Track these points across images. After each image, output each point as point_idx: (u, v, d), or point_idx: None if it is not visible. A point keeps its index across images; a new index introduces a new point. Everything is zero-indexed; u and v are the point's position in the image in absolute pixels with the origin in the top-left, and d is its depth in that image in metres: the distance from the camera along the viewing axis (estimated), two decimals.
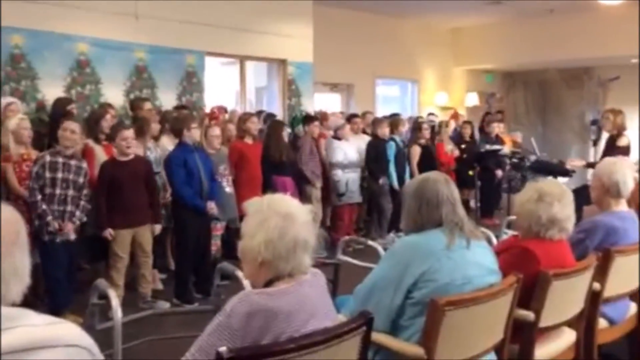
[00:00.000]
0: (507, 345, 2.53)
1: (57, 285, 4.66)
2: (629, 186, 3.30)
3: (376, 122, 7.92)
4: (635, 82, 10.44)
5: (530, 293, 2.60)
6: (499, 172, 9.01)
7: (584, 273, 2.80)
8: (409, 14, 11.18)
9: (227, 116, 7.67)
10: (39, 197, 4.54)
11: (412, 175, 7.71)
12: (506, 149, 9.21)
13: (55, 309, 4.40)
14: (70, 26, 6.73)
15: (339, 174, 7.38)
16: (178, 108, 7.04)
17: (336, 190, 7.41)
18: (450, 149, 9.01)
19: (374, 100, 11.46)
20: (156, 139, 6.01)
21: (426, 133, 8.35)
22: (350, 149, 7.54)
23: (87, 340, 1.28)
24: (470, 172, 8.39)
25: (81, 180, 4.74)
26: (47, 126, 5.85)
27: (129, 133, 5.01)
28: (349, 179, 7.43)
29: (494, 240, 4.11)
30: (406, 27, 11.63)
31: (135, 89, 7.34)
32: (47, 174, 4.57)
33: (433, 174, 2.54)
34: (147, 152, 5.69)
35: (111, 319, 3.15)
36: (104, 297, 3.25)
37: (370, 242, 4.77)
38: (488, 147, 8.82)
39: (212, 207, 5.40)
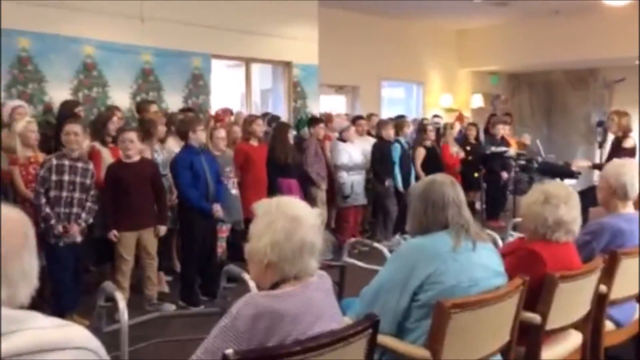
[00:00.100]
0: (514, 347, 2.53)
1: (62, 288, 4.67)
2: (636, 188, 3.29)
3: (381, 124, 7.92)
4: None
5: (537, 295, 2.60)
6: (505, 174, 9.00)
7: (591, 275, 2.79)
8: (414, 15, 11.18)
9: (232, 118, 7.68)
10: (43, 200, 4.55)
11: (416, 177, 7.71)
12: (512, 150, 9.19)
13: (60, 312, 4.40)
14: (77, 29, 6.76)
15: (344, 176, 7.39)
16: (184, 110, 7.06)
17: (341, 192, 7.41)
18: (455, 151, 9.00)
19: (379, 102, 11.46)
20: (162, 141, 6.03)
21: (431, 135, 8.35)
22: (355, 151, 7.54)
23: (94, 342, 1.29)
24: (476, 174, 8.38)
25: (88, 182, 4.75)
26: (54, 129, 5.87)
27: (129, 135, 5.03)
28: (354, 181, 7.44)
29: (500, 243, 4.10)
30: (411, 29, 11.63)
31: (141, 91, 7.36)
32: (54, 177, 4.58)
33: (439, 176, 2.53)
34: (154, 154, 5.69)
35: (118, 322, 3.16)
36: (111, 299, 3.26)
37: (375, 244, 4.78)
38: (493, 149, 8.80)
39: (217, 209, 5.41)
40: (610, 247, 3.07)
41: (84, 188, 4.73)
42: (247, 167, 6.35)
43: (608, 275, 2.97)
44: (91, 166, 4.85)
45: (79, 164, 4.72)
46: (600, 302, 2.98)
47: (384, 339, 2.20)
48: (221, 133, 5.96)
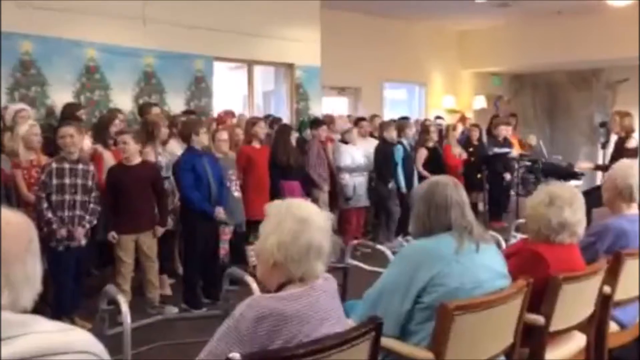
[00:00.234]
0: (517, 349, 2.52)
1: (63, 291, 4.65)
2: None
3: (384, 125, 7.91)
4: None
5: (540, 297, 2.59)
6: (507, 175, 8.98)
7: (594, 276, 2.78)
8: (416, 17, 11.19)
9: (234, 120, 7.68)
10: (45, 205, 4.53)
11: (419, 178, 7.70)
12: (514, 151, 9.19)
13: (60, 315, 4.38)
14: (79, 32, 6.78)
15: (346, 178, 7.39)
16: (186, 113, 7.07)
17: (344, 194, 7.41)
18: (458, 152, 8.99)
19: (381, 103, 11.46)
20: (164, 143, 6.03)
21: (434, 136, 8.34)
22: (357, 153, 7.54)
23: (98, 346, 1.29)
24: (478, 175, 8.37)
25: (89, 183, 4.74)
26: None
27: (124, 137, 5.02)
28: (356, 183, 7.43)
29: (503, 244, 4.09)
30: (413, 30, 11.63)
31: (144, 94, 7.38)
32: (55, 181, 4.56)
33: (442, 178, 2.53)
34: (158, 157, 5.68)
35: (120, 325, 3.16)
36: (114, 302, 3.26)
37: (378, 246, 4.78)
38: (496, 150, 8.80)
39: (220, 212, 5.40)
40: (614, 248, 3.06)
41: (86, 190, 4.71)
42: (250, 169, 6.34)
43: (612, 276, 2.95)
44: (92, 167, 4.84)
45: (79, 166, 4.70)
46: (604, 303, 2.97)
47: (387, 341, 2.19)
48: (223, 135, 5.96)
